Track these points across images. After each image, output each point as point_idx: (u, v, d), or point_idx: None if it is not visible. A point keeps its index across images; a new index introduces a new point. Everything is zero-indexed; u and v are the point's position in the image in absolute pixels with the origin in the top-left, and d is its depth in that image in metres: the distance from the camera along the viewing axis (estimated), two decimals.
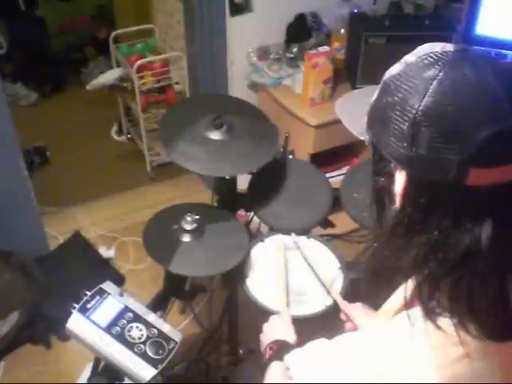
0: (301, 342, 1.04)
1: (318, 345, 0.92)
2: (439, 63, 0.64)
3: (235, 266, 1.35)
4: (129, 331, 1.19)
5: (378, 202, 0.76)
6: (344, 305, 1.24)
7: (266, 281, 1.37)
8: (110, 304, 1.23)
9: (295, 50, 2.65)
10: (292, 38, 2.70)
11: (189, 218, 1.39)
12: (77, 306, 1.19)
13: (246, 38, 2.65)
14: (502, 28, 2.38)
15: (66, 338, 2.21)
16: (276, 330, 1.16)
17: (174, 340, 1.22)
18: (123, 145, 3.55)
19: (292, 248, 1.45)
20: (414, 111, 0.63)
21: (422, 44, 0.70)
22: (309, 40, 2.66)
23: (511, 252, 0.65)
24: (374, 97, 0.71)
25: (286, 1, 2.66)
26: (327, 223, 1.63)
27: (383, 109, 0.68)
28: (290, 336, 1.12)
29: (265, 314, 1.26)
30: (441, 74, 0.63)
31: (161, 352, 1.18)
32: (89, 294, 1.22)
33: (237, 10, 2.56)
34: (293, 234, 1.47)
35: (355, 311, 1.19)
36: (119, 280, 2.50)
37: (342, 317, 1.21)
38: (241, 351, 1.81)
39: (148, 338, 1.20)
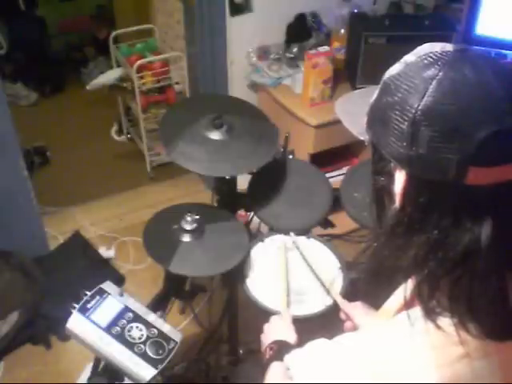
0: (301, 342, 1.04)
1: (318, 345, 0.92)
2: (439, 63, 0.64)
3: (235, 266, 1.35)
4: (129, 331, 1.19)
5: (377, 201, 0.76)
6: (344, 304, 1.24)
7: (266, 281, 1.37)
8: (110, 304, 1.23)
9: (295, 50, 2.65)
10: (292, 38, 2.70)
11: (189, 218, 1.39)
12: (77, 305, 1.19)
13: (245, 38, 2.65)
14: (502, 28, 2.38)
15: (66, 337, 2.21)
16: (276, 330, 1.16)
17: (173, 340, 1.22)
18: (123, 145, 3.56)
19: (292, 248, 1.45)
20: (414, 111, 0.63)
21: (421, 44, 0.70)
22: (309, 40, 2.66)
23: (511, 251, 0.65)
24: (374, 97, 0.71)
25: (286, 1, 2.66)
26: (327, 223, 1.63)
27: (383, 108, 0.68)
28: (291, 336, 1.12)
29: (265, 314, 1.26)
30: (440, 73, 0.63)
31: (161, 352, 1.18)
32: (89, 293, 1.22)
33: (237, 9, 2.56)
34: (292, 234, 1.47)
35: (355, 310, 1.19)
36: (119, 280, 2.50)
37: (342, 316, 1.21)
38: (241, 351, 1.81)
39: (148, 337, 1.20)
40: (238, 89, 2.76)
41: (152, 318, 1.24)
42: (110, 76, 3.19)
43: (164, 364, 1.17)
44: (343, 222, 1.62)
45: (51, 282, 2.37)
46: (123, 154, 3.45)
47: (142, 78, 2.96)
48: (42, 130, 3.52)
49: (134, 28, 3.23)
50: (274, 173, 1.63)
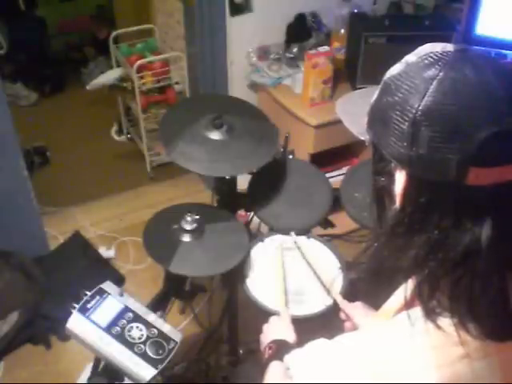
0: (301, 342, 1.04)
1: (318, 345, 0.92)
2: (439, 63, 0.64)
3: (235, 266, 1.35)
4: (129, 331, 1.19)
5: (378, 201, 0.76)
6: (344, 304, 1.24)
7: (266, 281, 1.37)
8: (110, 304, 1.23)
9: (295, 50, 2.65)
10: (292, 38, 2.70)
11: (189, 218, 1.39)
12: (77, 305, 1.19)
13: (246, 38, 2.65)
14: (502, 28, 2.38)
15: (66, 337, 2.21)
16: (276, 330, 1.16)
17: (173, 340, 1.22)
18: (123, 145, 3.55)
19: (292, 248, 1.45)
20: (414, 111, 0.63)
21: (422, 44, 0.70)
22: (309, 40, 2.66)
23: (511, 252, 0.65)
24: (375, 97, 0.71)
25: (286, 1, 2.66)
26: (327, 223, 1.63)
27: (383, 109, 0.68)
28: (290, 336, 1.12)
29: (265, 314, 1.26)
30: (441, 73, 0.63)
31: (161, 352, 1.18)
32: (89, 293, 1.22)
33: (237, 9, 2.56)
34: (292, 233, 1.47)
35: (355, 310, 1.19)
36: (119, 280, 2.50)
37: (342, 316, 1.21)
38: (241, 351, 1.81)
39: (148, 338, 1.20)
40: (237, 89, 2.76)
41: (152, 318, 1.24)
42: (109, 76, 3.19)
43: (164, 364, 1.17)
44: (343, 222, 1.62)
45: (51, 282, 2.37)
46: (123, 154, 3.45)
47: (141, 77, 2.96)
48: (42, 130, 3.52)
49: (134, 28, 3.23)
50: (274, 173, 1.63)
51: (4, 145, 2.23)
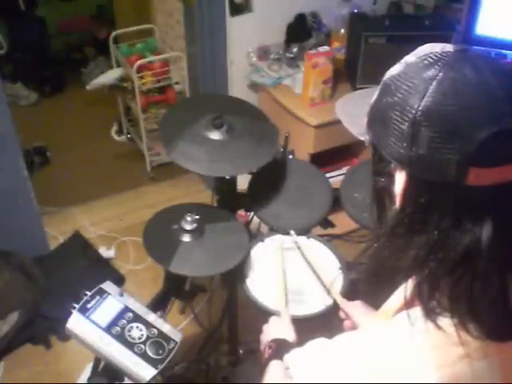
0: (301, 342, 1.04)
1: (318, 344, 0.93)
2: (439, 63, 0.64)
3: (235, 266, 1.35)
4: (129, 331, 1.19)
5: (378, 202, 0.76)
6: (344, 303, 1.24)
7: (266, 281, 1.37)
8: (110, 304, 1.23)
9: (295, 50, 2.65)
10: (292, 38, 2.70)
11: (189, 218, 1.39)
12: (77, 305, 1.19)
13: (246, 38, 2.65)
14: (502, 28, 2.38)
15: (66, 337, 2.21)
16: (275, 329, 1.16)
17: (173, 340, 1.22)
18: (123, 145, 3.56)
19: (292, 248, 1.45)
20: (414, 111, 0.63)
21: (422, 44, 0.70)
22: (309, 40, 2.66)
23: (511, 252, 0.65)
24: (374, 97, 0.71)
25: (286, 1, 2.66)
26: (327, 223, 1.63)
27: (383, 109, 0.68)
28: (290, 335, 1.12)
29: (265, 313, 1.26)
30: (440, 74, 0.63)
31: (161, 352, 1.18)
32: (89, 293, 1.22)
33: (237, 9, 2.56)
34: (292, 233, 1.47)
35: (354, 309, 1.19)
36: (119, 280, 2.50)
37: (342, 315, 1.21)
38: (241, 351, 1.81)
39: (148, 338, 1.20)
40: (238, 89, 2.76)
41: (152, 318, 1.24)
42: (109, 76, 3.19)
43: (164, 364, 1.17)
44: (343, 222, 1.62)
45: (51, 282, 2.37)
46: (123, 154, 3.45)
47: (141, 77, 2.96)
48: (41, 130, 3.52)
49: (134, 28, 3.23)
50: (274, 173, 1.63)
51: (4, 145, 2.23)
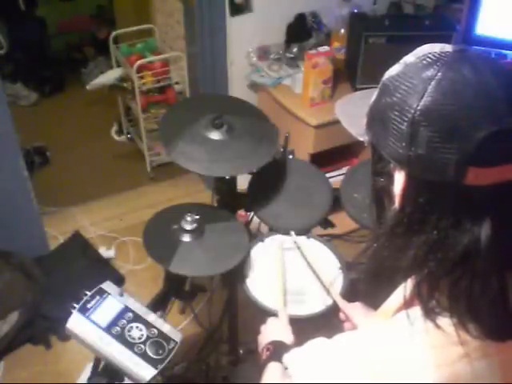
0: (300, 342, 1.04)
1: (317, 344, 0.93)
2: (438, 63, 0.64)
3: (235, 266, 1.35)
4: (129, 331, 1.19)
5: (377, 202, 0.76)
6: (343, 304, 1.24)
7: (266, 281, 1.37)
8: (110, 304, 1.23)
9: (295, 50, 2.65)
10: (292, 38, 2.70)
11: (189, 218, 1.39)
12: (77, 305, 1.19)
13: (246, 38, 2.65)
14: (502, 28, 2.38)
15: (66, 337, 2.22)
16: (273, 331, 1.16)
17: (174, 340, 1.22)
18: (123, 145, 3.56)
19: (292, 248, 1.45)
20: (413, 111, 0.63)
21: (421, 44, 0.70)
22: (309, 40, 2.66)
23: (511, 251, 0.65)
24: (373, 98, 0.71)
25: (286, 1, 2.66)
26: (327, 223, 1.63)
27: (382, 109, 0.68)
28: (287, 337, 1.12)
29: (265, 314, 1.26)
30: (439, 74, 0.63)
31: (161, 352, 1.18)
32: (89, 293, 1.22)
33: (237, 10, 2.56)
34: (292, 233, 1.47)
35: (354, 310, 1.19)
36: (119, 280, 2.50)
37: (342, 316, 1.21)
38: (241, 351, 1.81)
39: (148, 338, 1.20)
40: (238, 89, 2.76)
41: (152, 318, 1.24)
42: (110, 76, 3.19)
43: (164, 364, 1.17)
44: (343, 222, 1.62)
45: (51, 282, 2.37)
46: (123, 154, 3.45)
47: (142, 78, 2.96)
48: (42, 130, 3.52)
49: (134, 28, 3.23)
50: (274, 173, 1.63)
51: (4, 145, 2.23)
